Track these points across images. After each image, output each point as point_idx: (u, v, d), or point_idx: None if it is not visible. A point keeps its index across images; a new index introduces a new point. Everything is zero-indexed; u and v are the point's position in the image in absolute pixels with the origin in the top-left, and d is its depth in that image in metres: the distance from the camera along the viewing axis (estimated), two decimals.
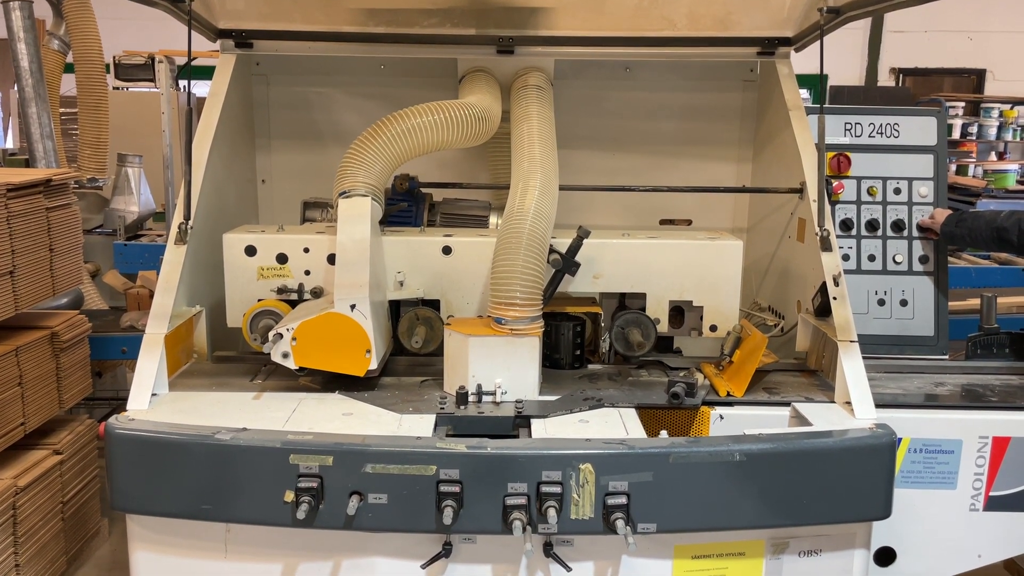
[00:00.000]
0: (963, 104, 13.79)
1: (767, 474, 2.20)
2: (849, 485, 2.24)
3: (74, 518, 3.74)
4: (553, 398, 2.56)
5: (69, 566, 3.74)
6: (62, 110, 6.22)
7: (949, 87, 14.28)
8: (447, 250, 2.80)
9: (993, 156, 13.80)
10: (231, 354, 2.95)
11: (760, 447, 2.20)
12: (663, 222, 3.62)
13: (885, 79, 14.39)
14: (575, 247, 2.73)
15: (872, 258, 3.30)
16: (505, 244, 2.60)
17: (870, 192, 3.34)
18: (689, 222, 3.62)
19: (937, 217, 3.23)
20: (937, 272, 3.29)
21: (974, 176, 12.23)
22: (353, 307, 2.49)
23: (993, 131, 13.74)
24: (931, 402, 2.68)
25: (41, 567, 3.47)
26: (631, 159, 3.67)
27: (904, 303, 3.26)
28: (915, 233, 3.30)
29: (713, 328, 2.86)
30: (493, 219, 3.23)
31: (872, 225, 3.32)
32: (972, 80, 14.44)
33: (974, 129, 13.71)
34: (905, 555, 2.61)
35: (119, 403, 5.45)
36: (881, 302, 3.27)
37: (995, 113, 13.70)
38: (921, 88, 13.94)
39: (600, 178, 3.51)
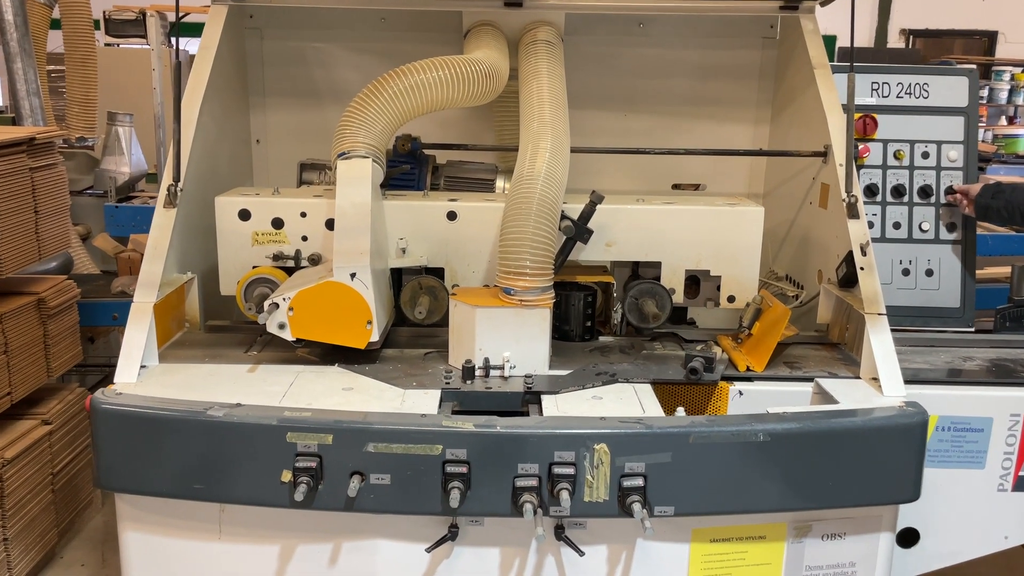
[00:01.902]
0: (974, 67, 13.52)
1: (792, 455, 2.08)
2: (878, 466, 2.13)
3: (65, 490, 3.64)
4: (564, 372, 2.43)
5: (60, 539, 3.65)
6: (49, 67, 6.00)
7: (960, 49, 14.02)
8: (452, 215, 2.66)
9: (1003, 120, 13.56)
10: (224, 323, 2.82)
11: (785, 427, 2.08)
12: (674, 187, 3.47)
13: (895, 40, 14.12)
14: (588, 213, 2.58)
15: (897, 226, 3.16)
16: (515, 210, 2.45)
17: (897, 156, 3.19)
18: (698, 186, 3.47)
19: (971, 190, 3.08)
20: (964, 241, 3.15)
21: (983, 141, 12.02)
22: (353, 275, 2.36)
23: (1004, 95, 13.46)
24: (961, 378, 2.56)
25: (30, 541, 3.37)
26: (643, 120, 3.51)
27: (930, 273, 3.12)
28: (943, 200, 3.15)
29: (731, 299, 2.72)
30: (500, 182, 3.08)
31: (898, 191, 3.17)
32: (983, 42, 14.18)
33: (984, 93, 13.43)
34: (929, 536, 2.50)
35: (112, 369, 5.36)
36: (906, 272, 3.13)
37: (1006, 76, 13.41)
38: (931, 50, 13.68)
39: (610, 140, 3.35)
